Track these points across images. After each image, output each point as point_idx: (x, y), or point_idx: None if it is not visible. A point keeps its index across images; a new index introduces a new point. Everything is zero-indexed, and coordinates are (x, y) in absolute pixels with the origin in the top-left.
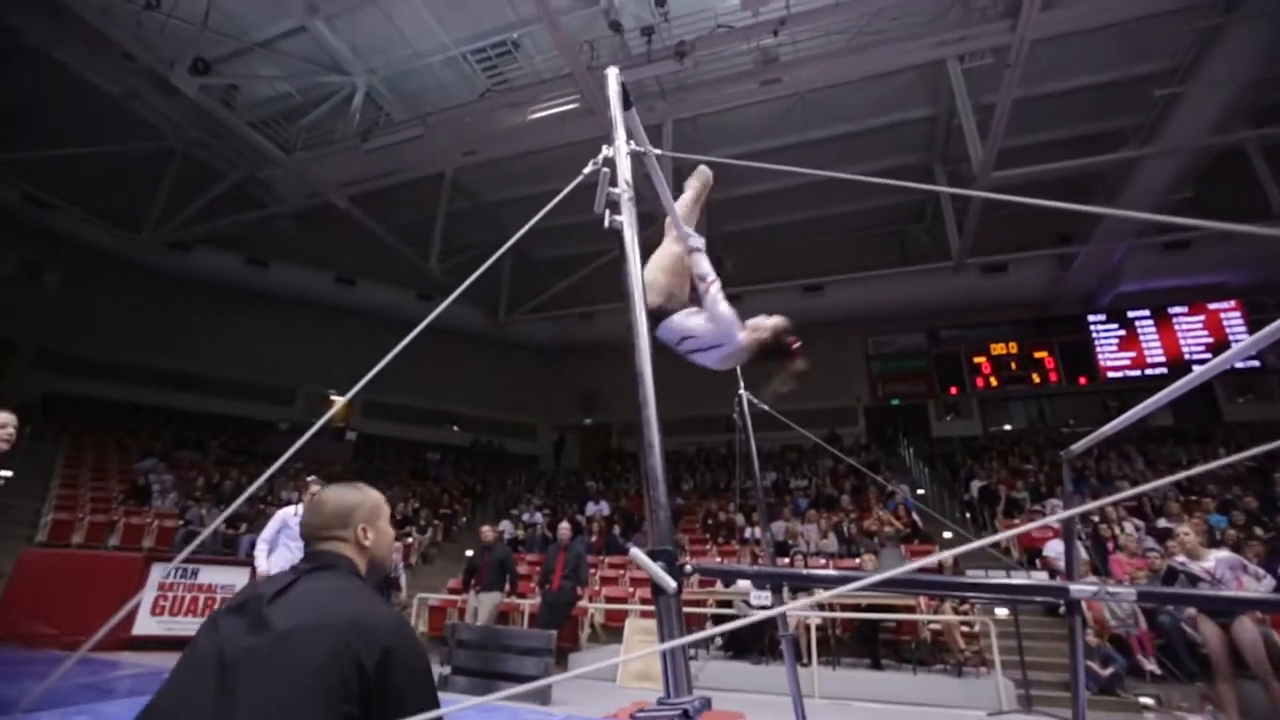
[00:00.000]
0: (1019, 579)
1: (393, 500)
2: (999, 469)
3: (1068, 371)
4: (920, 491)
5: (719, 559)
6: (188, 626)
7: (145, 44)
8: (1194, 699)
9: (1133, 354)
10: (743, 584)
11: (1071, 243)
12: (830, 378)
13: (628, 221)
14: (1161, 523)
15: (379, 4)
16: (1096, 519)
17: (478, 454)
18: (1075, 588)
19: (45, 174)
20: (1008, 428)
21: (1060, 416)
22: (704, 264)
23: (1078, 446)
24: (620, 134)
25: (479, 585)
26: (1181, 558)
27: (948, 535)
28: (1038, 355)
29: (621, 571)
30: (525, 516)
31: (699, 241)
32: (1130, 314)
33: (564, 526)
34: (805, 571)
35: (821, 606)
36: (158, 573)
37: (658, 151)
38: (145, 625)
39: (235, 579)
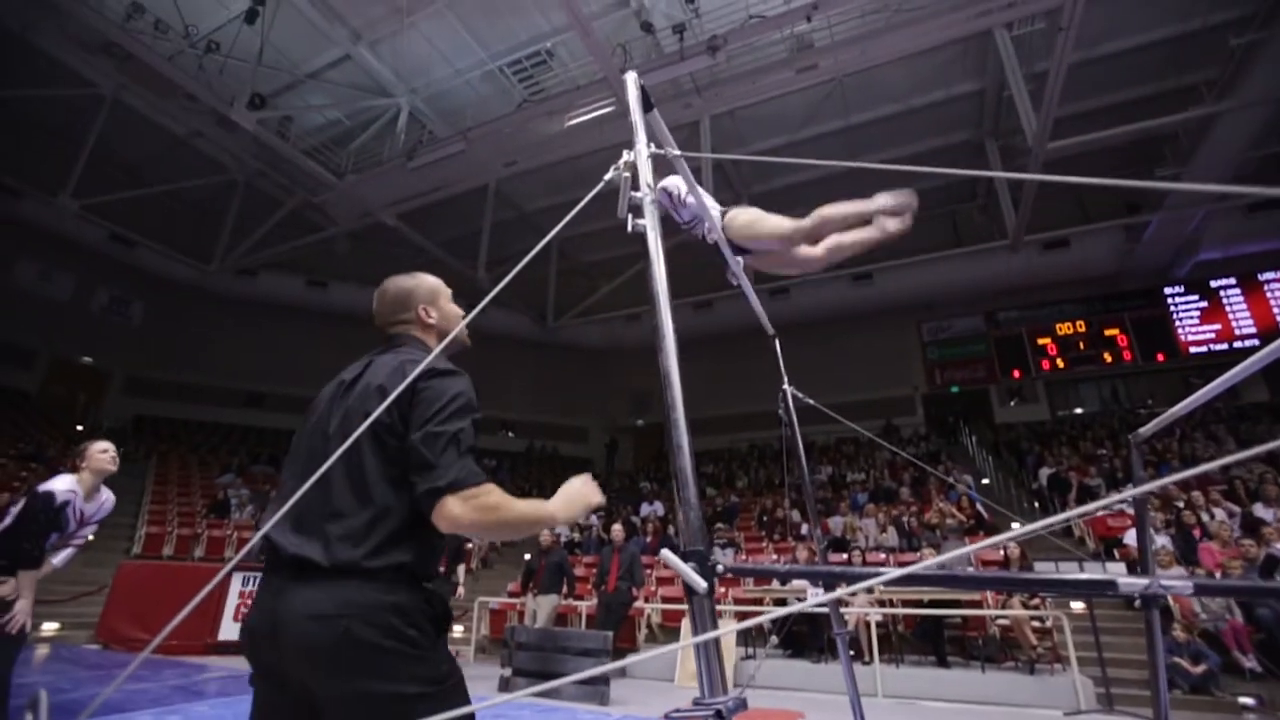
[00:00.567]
0: (1075, 573)
1: None
2: (1070, 455)
3: (1143, 349)
4: (985, 481)
5: (775, 556)
6: None
7: (207, 85)
8: None
9: (1218, 326)
10: (798, 581)
11: (1141, 212)
12: (885, 367)
13: (651, 225)
14: (1258, 508)
15: (418, 27)
16: (1181, 505)
17: (533, 459)
18: (1124, 581)
19: (126, 213)
20: (1078, 411)
21: (1137, 397)
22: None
23: (1147, 428)
24: (641, 137)
25: (537, 588)
26: None
27: (1016, 526)
28: (1109, 333)
29: None
30: (581, 519)
31: (718, 209)
32: (1213, 284)
33: (617, 528)
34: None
35: (882, 603)
36: (237, 581)
37: (676, 153)
38: (229, 631)
39: None
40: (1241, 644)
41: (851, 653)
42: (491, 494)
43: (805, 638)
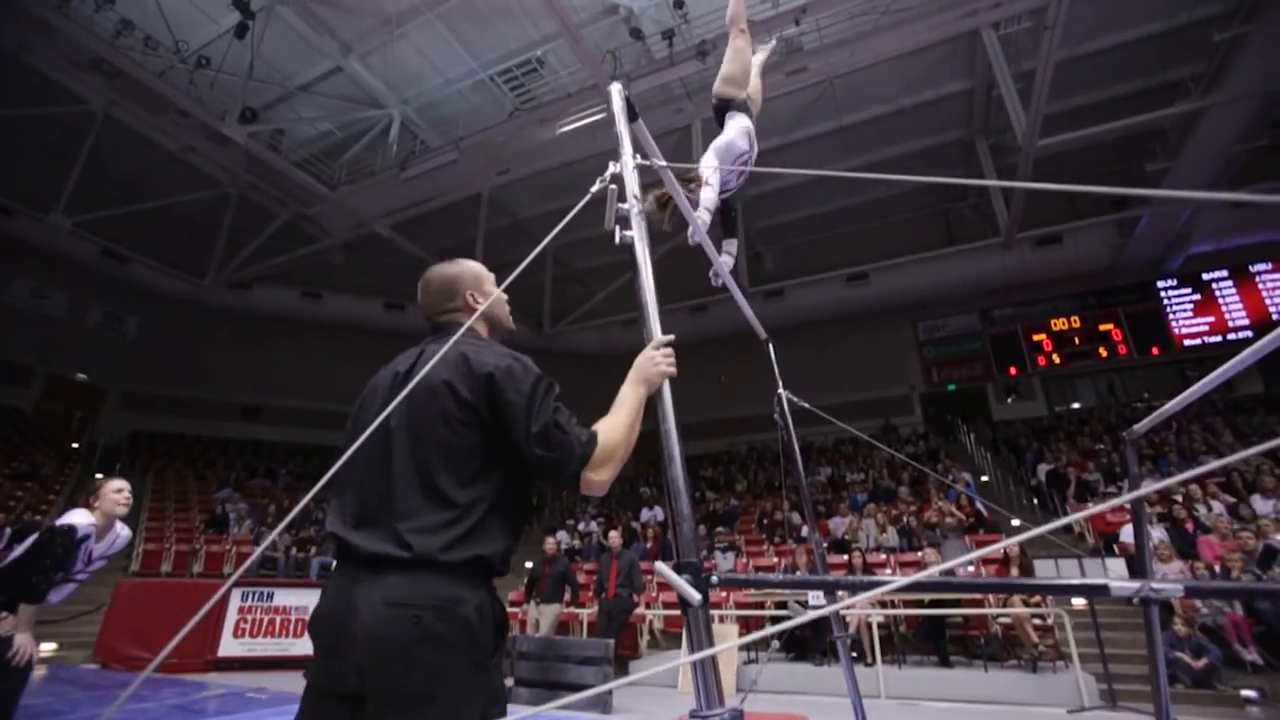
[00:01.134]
0: (1071, 577)
1: None
2: (1068, 451)
3: (1138, 343)
4: (984, 479)
5: (775, 558)
6: (267, 647)
7: (198, 100)
8: None
9: (1211, 319)
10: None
11: (1131, 207)
12: (882, 367)
13: (638, 236)
14: (1255, 500)
15: (408, 37)
16: (1178, 499)
17: None
18: (1115, 585)
19: (119, 229)
20: (1075, 406)
21: (1133, 391)
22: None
23: (1142, 425)
24: (626, 148)
25: (540, 597)
26: None
27: (1016, 523)
28: (1104, 328)
29: None
30: (581, 525)
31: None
32: (1205, 276)
33: (614, 535)
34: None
35: (883, 604)
36: (236, 598)
37: (662, 163)
38: (229, 648)
39: (308, 600)
40: (1242, 637)
41: (854, 654)
42: (604, 443)
43: (807, 641)
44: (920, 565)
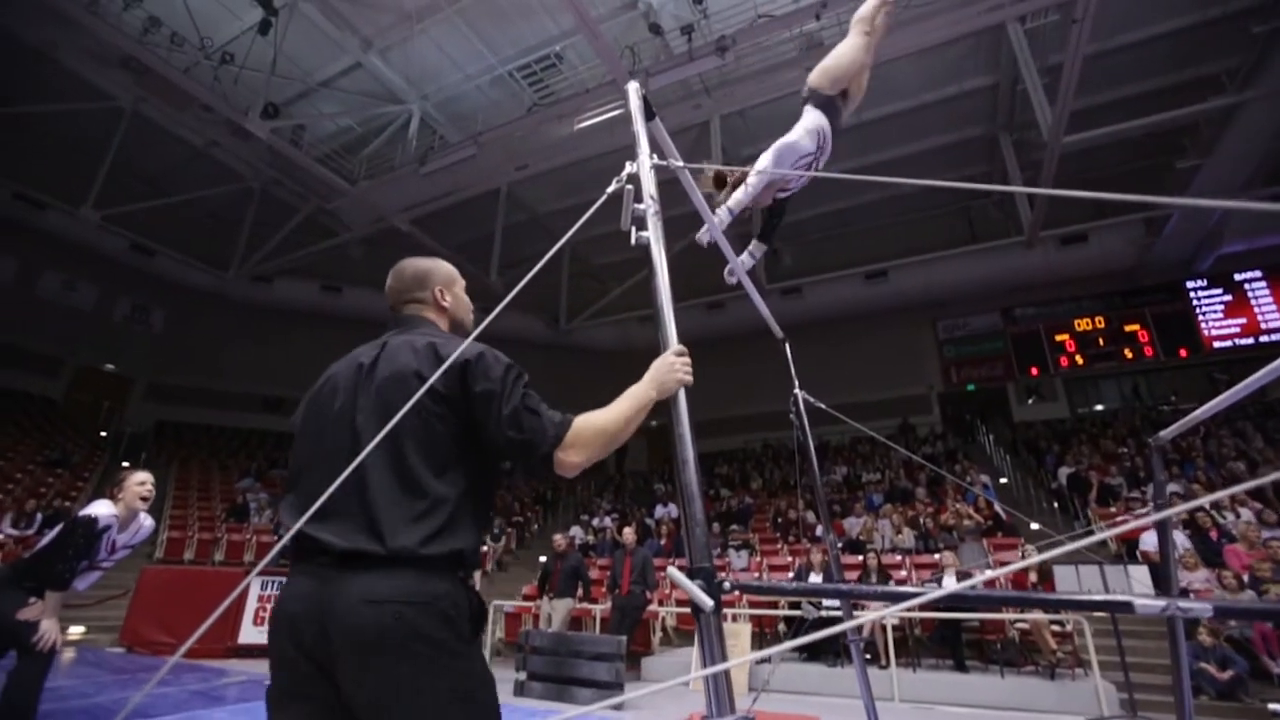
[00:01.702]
0: (1094, 593)
1: None
2: (1090, 454)
3: (1165, 344)
4: (1003, 481)
5: (790, 558)
6: None
7: (222, 95)
8: None
9: (1243, 320)
10: (814, 580)
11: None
12: (900, 366)
13: (654, 236)
14: None
15: (428, 33)
16: (1206, 507)
17: None
18: (1140, 603)
19: (146, 223)
20: (1098, 408)
21: (1159, 394)
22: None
23: (1169, 432)
24: (643, 148)
25: (552, 592)
26: None
27: (1035, 527)
28: (1129, 329)
29: None
30: (595, 521)
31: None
32: (1238, 276)
33: (628, 531)
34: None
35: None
36: (256, 586)
37: (679, 163)
38: (249, 635)
39: None
40: (1271, 649)
41: (868, 656)
42: (584, 427)
43: (820, 641)
44: (937, 567)
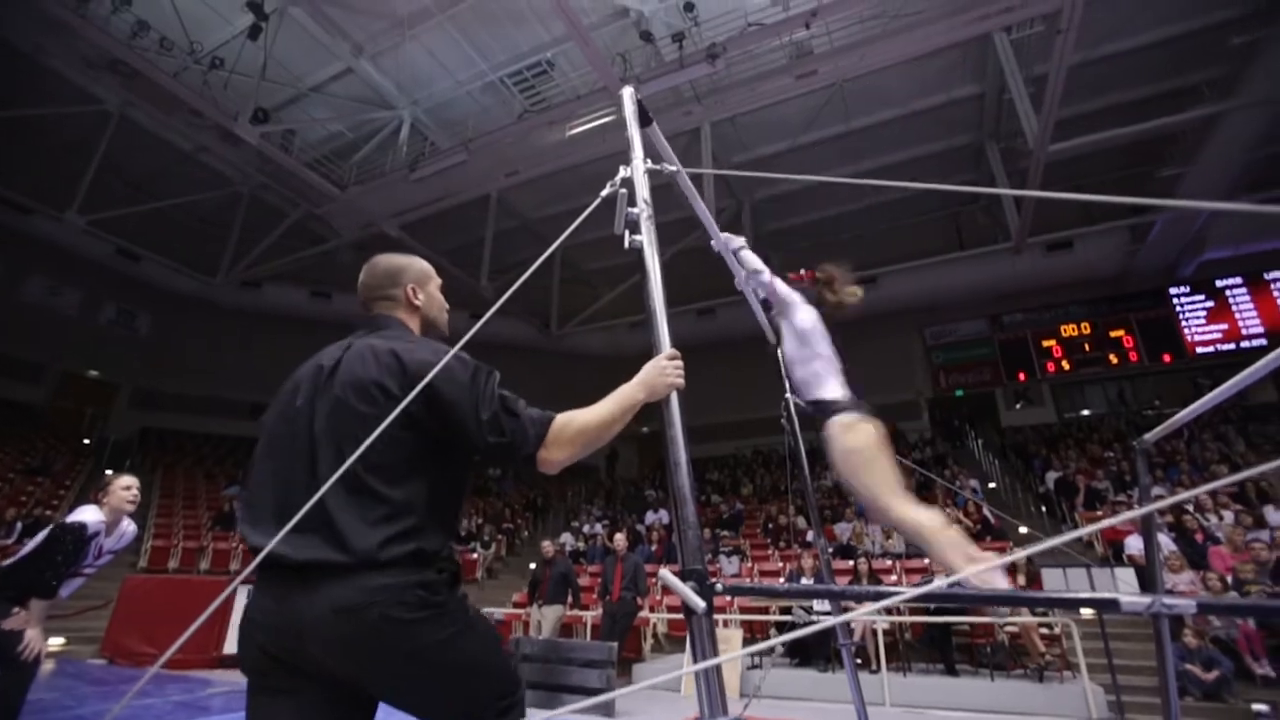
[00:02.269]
0: (1081, 591)
1: None
2: (1077, 458)
3: (1149, 350)
4: (992, 485)
5: (781, 563)
6: None
7: (211, 100)
8: None
9: (1225, 326)
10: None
11: (1145, 212)
12: (890, 371)
13: (648, 240)
14: (1269, 511)
15: (419, 39)
16: (1189, 509)
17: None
18: (1126, 600)
19: (133, 227)
20: (1085, 413)
21: (1144, 398)
22: (752, 260)
23: (1153, 434)
24: (637, 153)
25: (542, 599)
26: None
27: (1024, 531)
28: (1114, 334)
29: None
30: (585, 528)
31: (739, 242)
32: (1219, 283)
33: (619, 537)
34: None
35: (888, 610)
36: (242, 595)
37: (674, 167)
38: (235, 645)
39: None
40: (1255, 650)
41: (858, 661)
42: (566, 425)
43: (811, 646)
44: (927, 571)
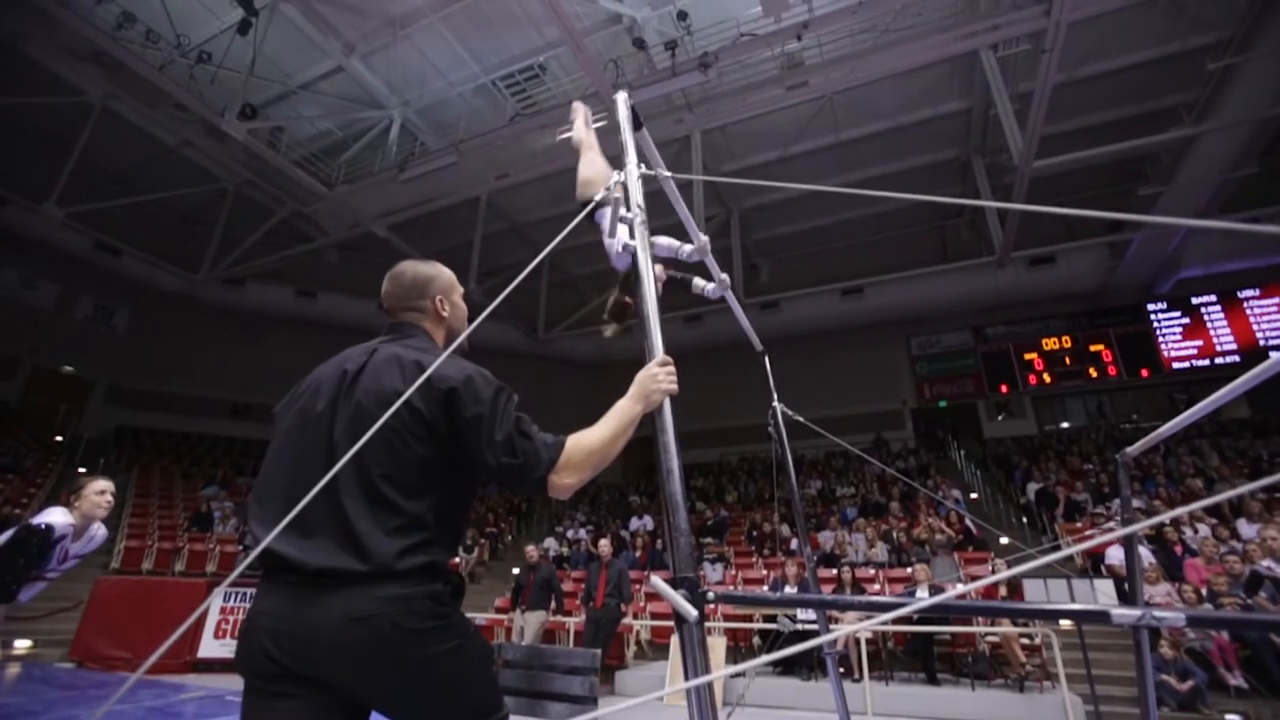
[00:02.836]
0: (1068, 603)
1: None
2: (1057, 469)
3: (1128, 364)
4: (974, 495)
5: (765, 571)
6: None
7: (198, 95)
8: None
9: (1200, 343)
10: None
11: (1124, 229)
12: (875, 381)
13: (641, 245)
14: (1241, 524)
15: (411, 39)
16: (1166, 523)
17: None
18: (1116, 612)
19: (113, 221)
20: (1065, 425)
21: (1122, 412)
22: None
23: (1134, 449)
24: (631, 158)
25: (525, 604)
26: (1268, 562)
27: (1005, 541)
28: (1094, 349)
29: None
30: (570, 533)
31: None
32: (1195, 300)
33: (604, 543)
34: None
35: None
36: (218, 597)
37: (666, 173)
38: (210, 648)
39: None
40: (1228, 661)
41: (841, 670)
42: (575, 448)
43: (795, 655)
44: (910, 581)
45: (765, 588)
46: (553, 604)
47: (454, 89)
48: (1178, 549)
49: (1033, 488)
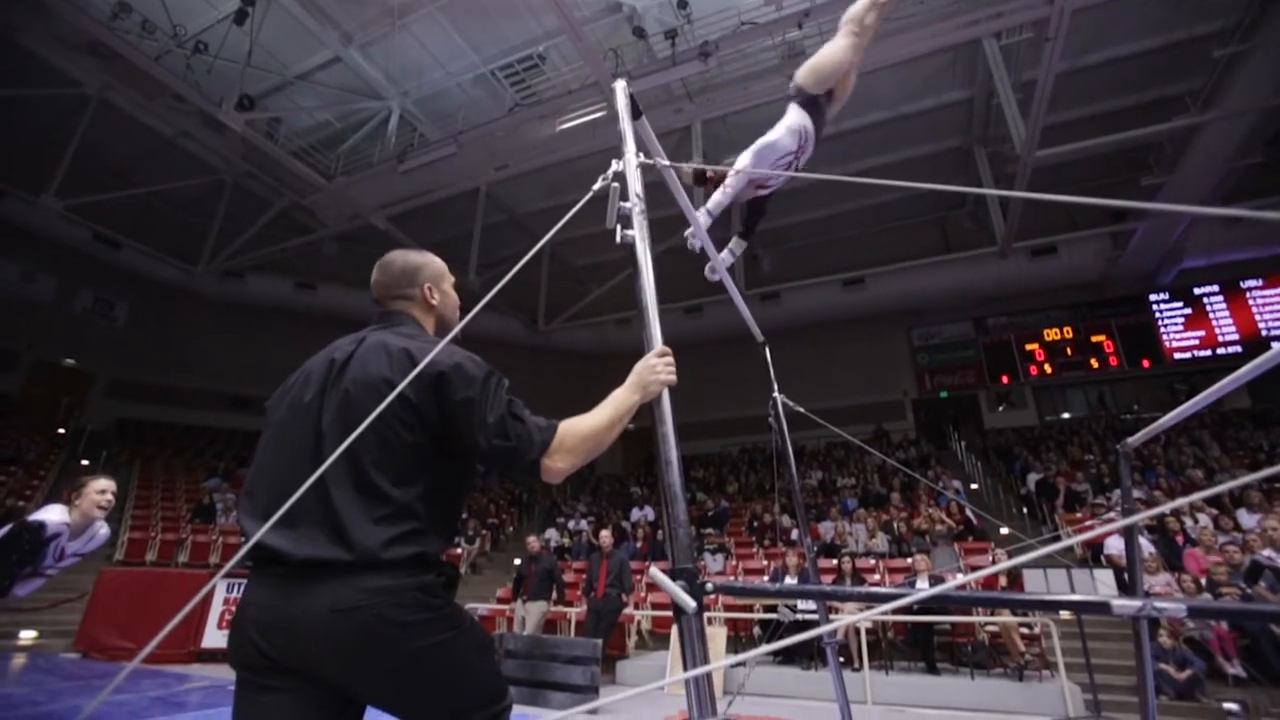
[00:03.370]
0: (1069, 594)
1: None
2: (1057, 460)
3: (1129, 355)
4: (974, 486)
5: (765, 561)
6: None
7: (195, 85)
8: None
9: (1201, 333)
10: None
11: (1127, 220)
12: (875, 372)
13: (639, 235)
14: (1242, 514)
15: (410, 29)
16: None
17: None
18: (1117, 603)
19: (112, 214)
20: (1065, 416)
21: (1123, 402)
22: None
23: (1135, 439)
24: (630, 146)
25: (526, 595)
26: (1269, 551)
27: (1005, 532)
28: (1095, 339)
29: None
30: (571, 524)
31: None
32: (1197, 291)
33: (605, 534)
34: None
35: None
36: (222, 588)
37: (665, 162)
38: (213, 638)
39: None
40: (1226, 650)
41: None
42: (569, 432)
43: (795, 644)
44: (910, 571)
45: (766, 578)
46: (554, 594)
47: (453, 79)
48: (1179, 539)
49: (1033, 478)
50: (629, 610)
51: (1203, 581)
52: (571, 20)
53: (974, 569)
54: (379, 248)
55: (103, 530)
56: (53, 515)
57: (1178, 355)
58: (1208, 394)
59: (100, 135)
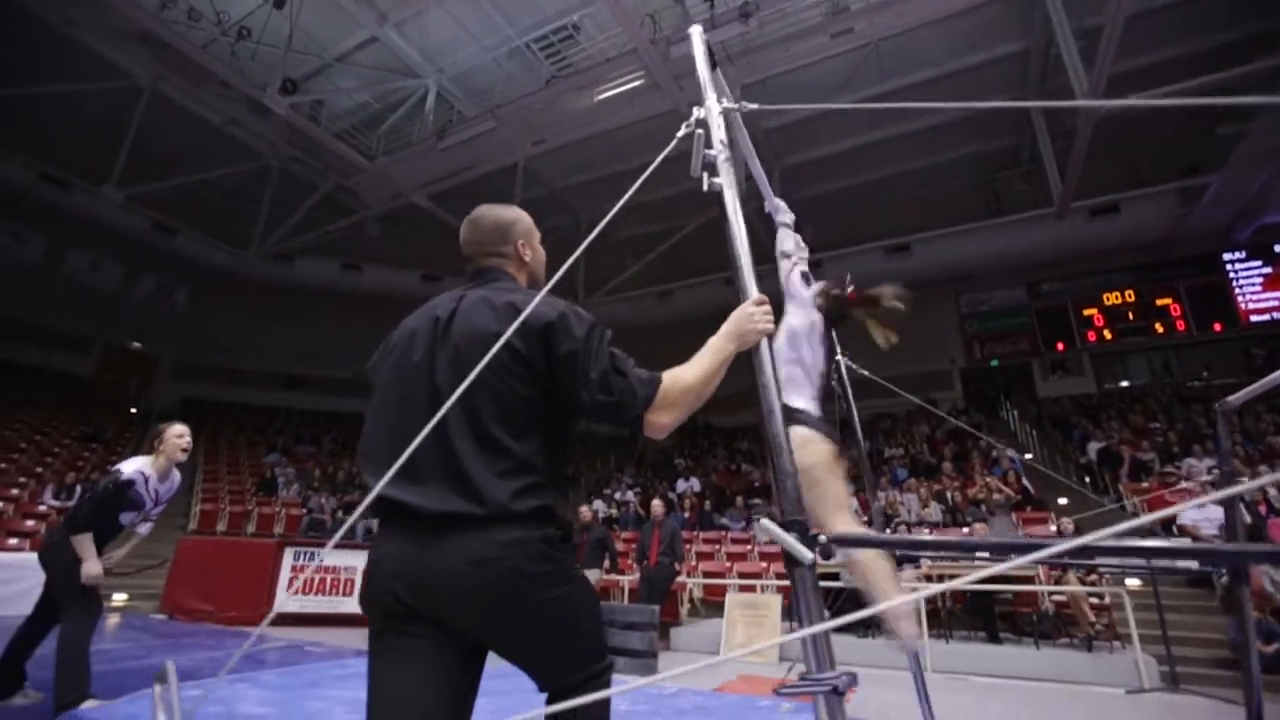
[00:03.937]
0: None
1: None
2: (1119, 429)
3: (1198, 318)
4: (1028, 456)
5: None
6: (319, 604)
7: (239, 71)
8: None
9: None
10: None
11: (1200, 173)
12: (921, 341)
13: (727, 182)
14: None
15: (444, 5)
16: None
17: None
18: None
19: (165, 202)
20: (1125, 384)
21: (1190, 368)
22: (784, 240)
23: (1236, 397)
24: (710, 94)
25: (579, 563)
26: None
27: (1063, 501)
28: (1160, 302)
29: (717, 547)
30: (618, 495)
31: (788, 216)
32: (1279, 248)
33: (657, 504)
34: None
35: (929, 578)
36: (289, 556)
37: (753, 106)
38: (283, 603)
39: (355, 560)
40: None
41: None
42: (672, 385)
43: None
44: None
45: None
46: (606, 563)
47: (487, 54)
48: (1261, 508)
49: (1094, 447)
50: (680, 579)
51: None
52: None
53: (1033, 538)
54: (421, 227)
55: (176, 477)
56: (129, 465)
57: (1255, 318)
58: None
59: (151, 125)
